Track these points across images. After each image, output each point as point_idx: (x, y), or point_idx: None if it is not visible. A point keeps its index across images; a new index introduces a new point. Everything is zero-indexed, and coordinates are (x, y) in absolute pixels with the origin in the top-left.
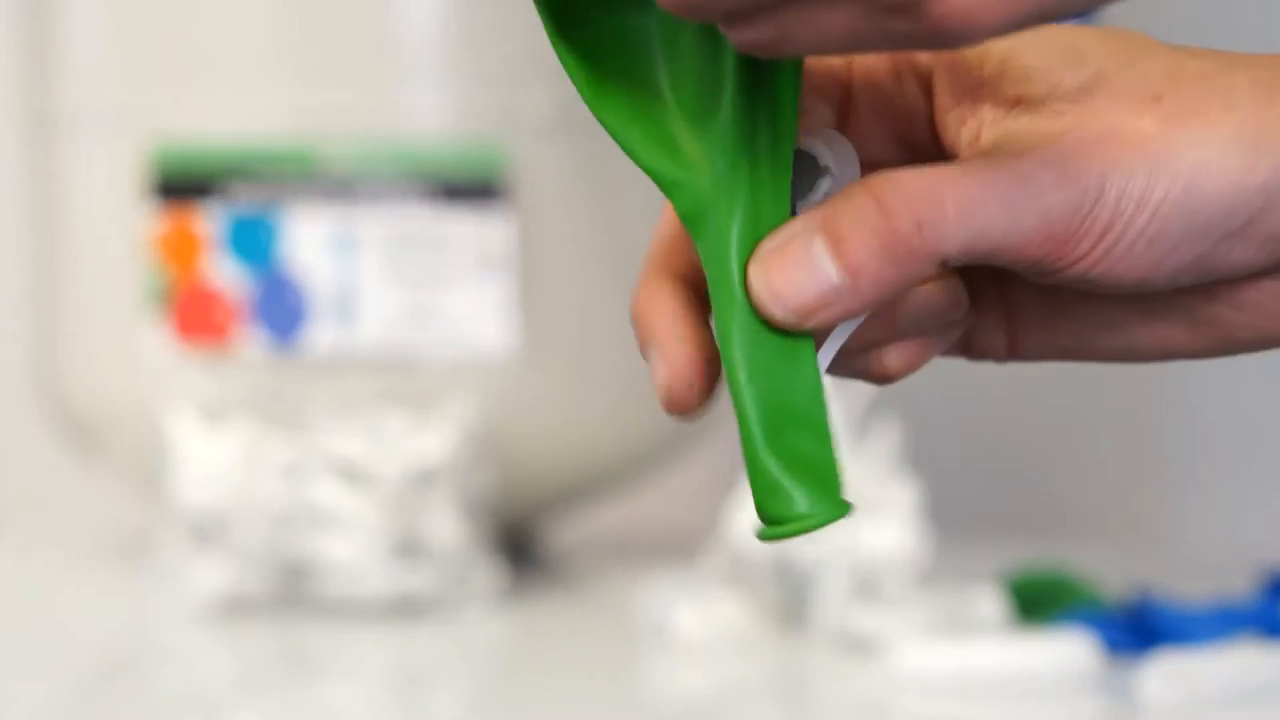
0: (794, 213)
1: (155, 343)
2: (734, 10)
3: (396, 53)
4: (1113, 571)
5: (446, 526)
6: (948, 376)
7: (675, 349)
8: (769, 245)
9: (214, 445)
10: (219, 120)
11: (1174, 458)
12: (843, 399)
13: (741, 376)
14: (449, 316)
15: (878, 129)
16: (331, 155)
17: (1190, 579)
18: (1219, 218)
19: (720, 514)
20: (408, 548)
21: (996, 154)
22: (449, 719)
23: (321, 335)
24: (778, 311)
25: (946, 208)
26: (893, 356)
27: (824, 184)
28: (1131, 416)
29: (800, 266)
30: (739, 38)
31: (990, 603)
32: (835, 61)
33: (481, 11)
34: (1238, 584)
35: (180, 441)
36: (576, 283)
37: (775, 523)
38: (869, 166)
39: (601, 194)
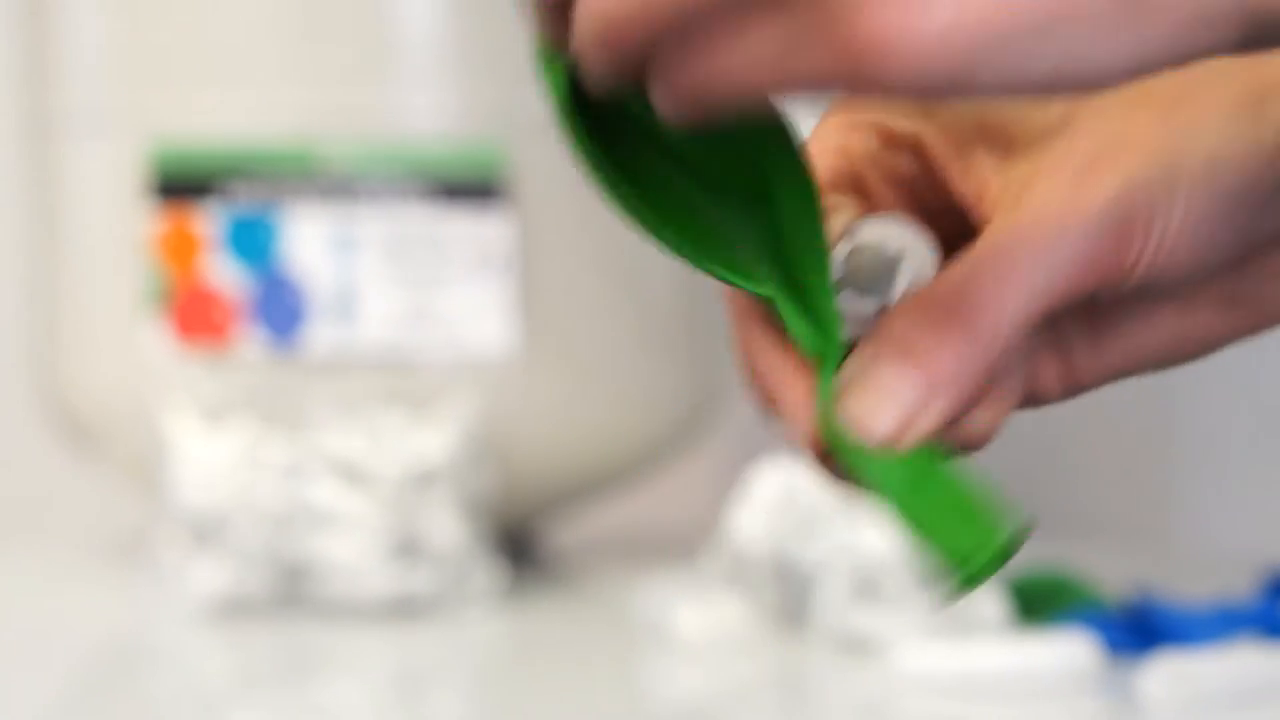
0: (886, 307)
1: (155, 343)
2: (650, 46)
3: (396, 53)
4: (1113, 571)
5: (446, 526)
6: None
7: (802, 416)
8: (844, 377)
9: (214, 445)
10: (219, 120)
11: (1174, 458)
12: None
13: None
14: (449, 316)
15: (895, 203)
16: (331, 155)
17: (1190, 579)
18: (1247, 188)
19: (720, 514)
20: (408, 548)
21: (1008, 218)
22: (449, 719)
23: (321, 335)
24: (875, 439)
25: (991, 302)
26: (980, 418)
27: (906, 270)
28: (1132, 417)
29: (877, 393)
30: (661, 103)
31: (990, 603)
32: (832, 160)
33: (481, 11)
34: (1238, 584)
35: (180, 441)
36: (576, 283)
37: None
38: None
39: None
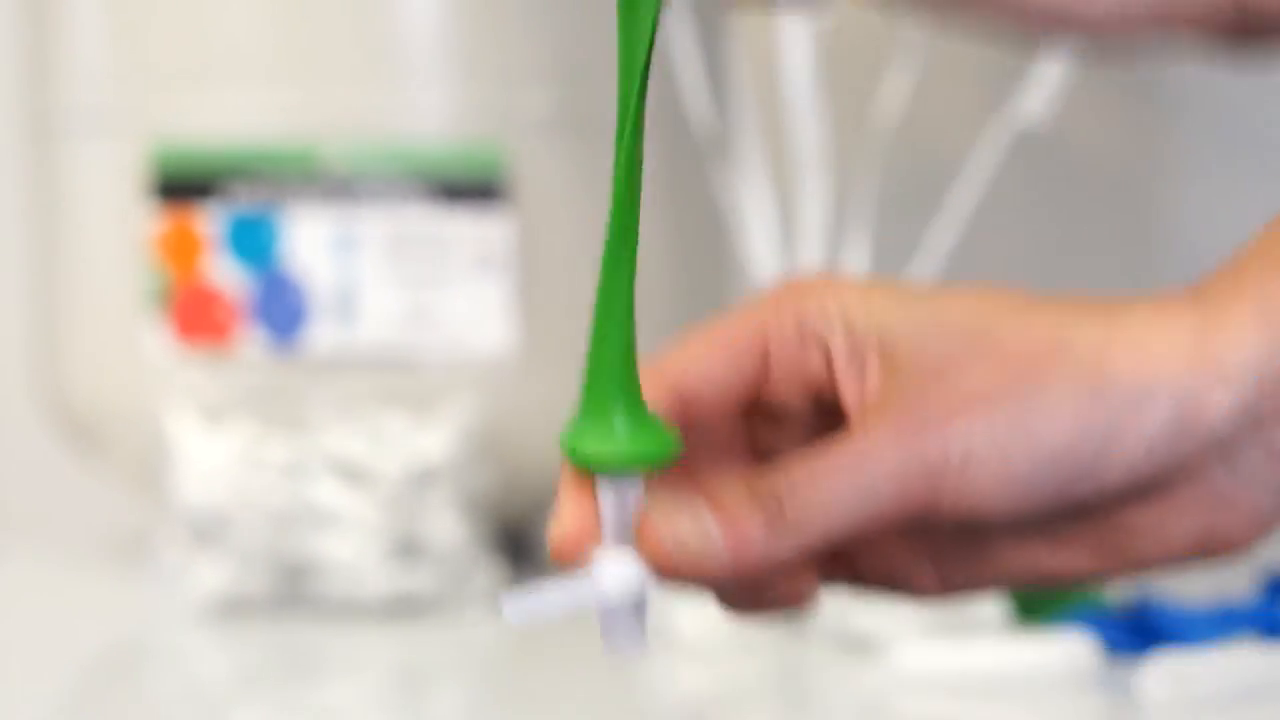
0: None
1: (155, 343)
2: None
3: (396, 53)
4: None
5: (446, 526)
6: None
7: (570, 514)
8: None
9: (214, 445)
10: (219, 120)
11: None
12: None
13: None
14: (449, 316)
15: (792, 387)
16: (331, 155)
17: (1189, 579)
18: (1060, 456)
19: None
20: (408, 548)
21: (846, 437)
22: (449, 719)
23: (321, 335)
24: (658, 547)
25: (807, 508)
26: (777, 594)
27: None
28: None
29: (687, 515)
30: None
31: (990, 603)
32: (753, 334)
33: (481, 11)
34: (1238, 584)
35: (180, 441)
36: (576, 283)
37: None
38: (789, 419)
39: (601, 194)
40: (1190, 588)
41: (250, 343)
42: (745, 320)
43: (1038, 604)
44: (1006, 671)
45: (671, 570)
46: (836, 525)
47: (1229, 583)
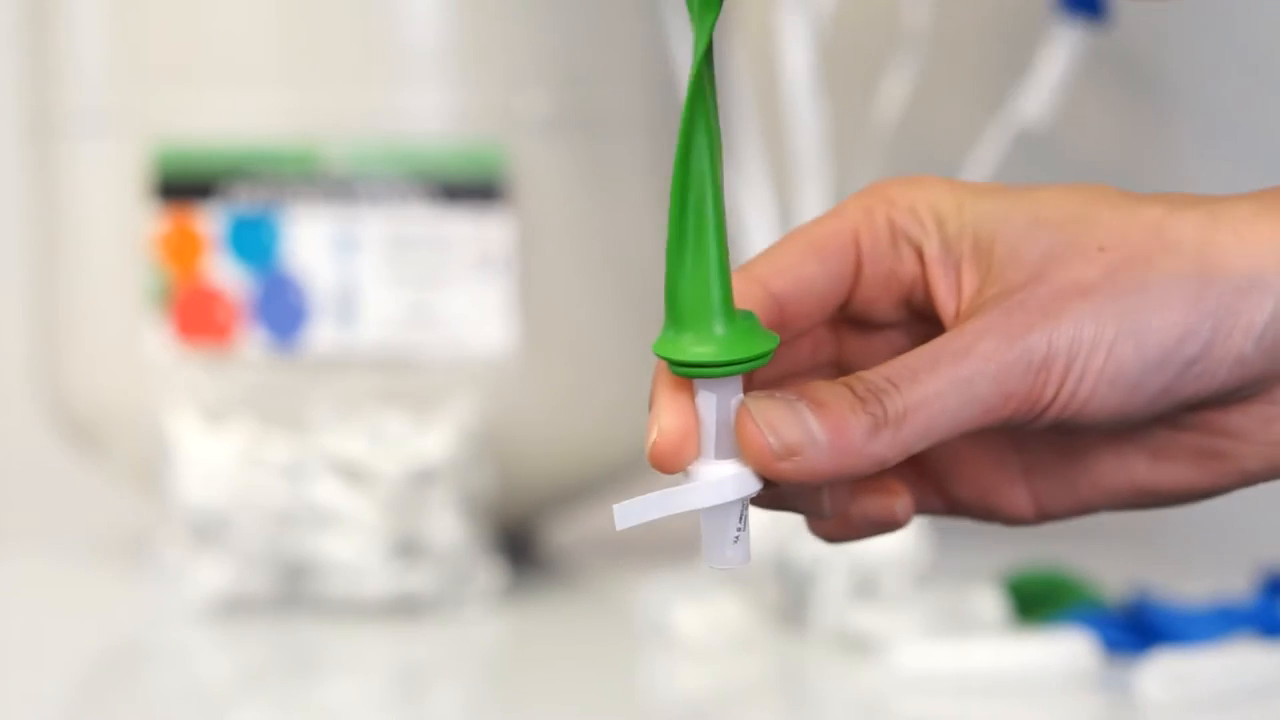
0: None
1: (156, 343)
2: None
3: (396, 53)
4: (1112, 571)
5: (446, 526)
6: None
7: (669, 420)
8: (759, 396)
9: (214, 445)
10: (219, 120)
11: None
12: None
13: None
14: (449, 316)
15: (883, 291)
16: (331, 155)
17: (1190, 579)
18: (1171, 349)
19: None
20: (408, 548)
21: (945, 335)
22: (449, 719)
23: (321, 335)
24: (760, 443)
25: (907, 406)
26: (871, 504)
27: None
28: None
29: (788, 412)
30: None
31: (989, 602)
32: (845, 236)
33: (481, 12)
34: (1237, 584)
35: (180, 441)
36: (576, 283)
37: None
38: (878, 329)
39: (601, 194)
40: (1189, 587)
41: (250, 343)
42: (836, 222)
43: (1036, 603)
44: (1006, 671)
45: (775, 471)
46: (939, 424)
47: (1227, 582)
